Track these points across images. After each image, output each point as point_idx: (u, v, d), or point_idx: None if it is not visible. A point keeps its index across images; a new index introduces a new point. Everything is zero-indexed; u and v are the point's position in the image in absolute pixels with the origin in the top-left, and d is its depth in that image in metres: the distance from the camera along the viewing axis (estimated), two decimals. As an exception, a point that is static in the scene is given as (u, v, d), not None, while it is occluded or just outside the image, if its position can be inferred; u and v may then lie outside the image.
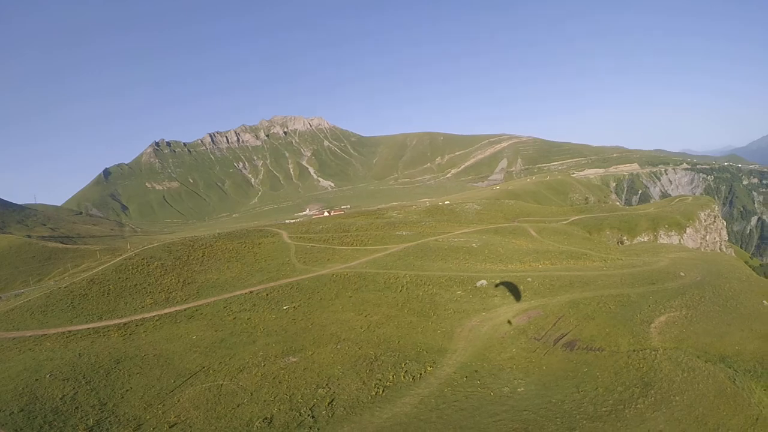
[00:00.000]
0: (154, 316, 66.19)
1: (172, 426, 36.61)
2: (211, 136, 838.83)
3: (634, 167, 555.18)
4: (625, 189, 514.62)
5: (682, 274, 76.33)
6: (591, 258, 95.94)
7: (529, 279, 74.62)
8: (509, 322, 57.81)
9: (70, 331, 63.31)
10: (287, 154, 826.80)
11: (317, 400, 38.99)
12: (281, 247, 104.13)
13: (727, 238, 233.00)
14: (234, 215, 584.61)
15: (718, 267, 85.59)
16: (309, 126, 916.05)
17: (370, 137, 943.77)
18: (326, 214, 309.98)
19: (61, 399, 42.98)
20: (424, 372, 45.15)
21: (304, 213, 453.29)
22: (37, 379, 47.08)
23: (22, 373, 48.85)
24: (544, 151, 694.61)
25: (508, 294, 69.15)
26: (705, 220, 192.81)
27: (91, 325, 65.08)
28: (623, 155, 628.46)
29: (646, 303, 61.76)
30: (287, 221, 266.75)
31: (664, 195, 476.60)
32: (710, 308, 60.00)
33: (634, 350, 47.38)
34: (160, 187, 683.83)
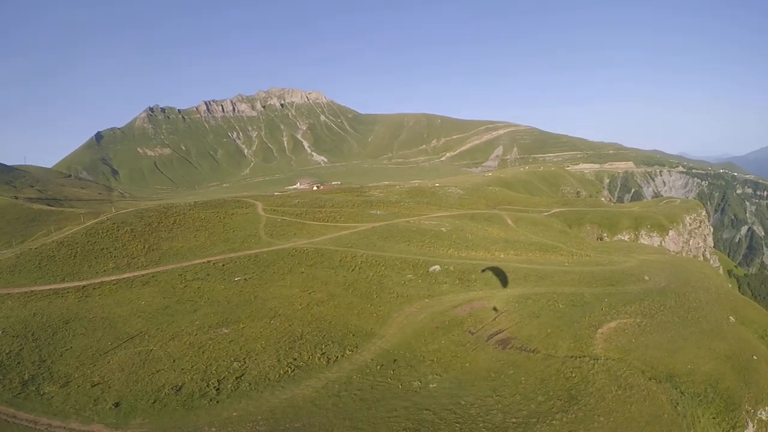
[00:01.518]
0: (113, 280, 67.51)
1: (94, 385, 38.34)
2: (206, 104, 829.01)
3: (630, 165, 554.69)
4: (618, 186, 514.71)
5: (646, 278, 73.37)
6: (560, 252, 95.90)
7: (484, 268, 73.79)
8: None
9: (32, 291, 64.72)
10: (282, 127, 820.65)
11: (228, 373, 39.91)
12: (253, 218, 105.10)
13: (712, 245, 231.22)
14: (225, 185, 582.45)
15: (688, 274, 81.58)
16: (306, 99, 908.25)
17: (367, 114, 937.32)
18: (315, 188, 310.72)
19: (7, 354, 44.70)
20: (342, 356, 44.60)
21: (294, 186, 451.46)
22: (-10, 335, 48.64)
23: None
24: (540, 142, 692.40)
25: (457, 282, 68.28)
26: (690, 224, 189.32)
27: (52, 286, 66.44)
28: (619, 152, 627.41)
29: (600, 305, 58.79)
30: (276, 193, 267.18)
31: (657, 196, 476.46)
32: (668, 318, 55.87)
33: (571, 356, 44.82)
34: (152, 153, 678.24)
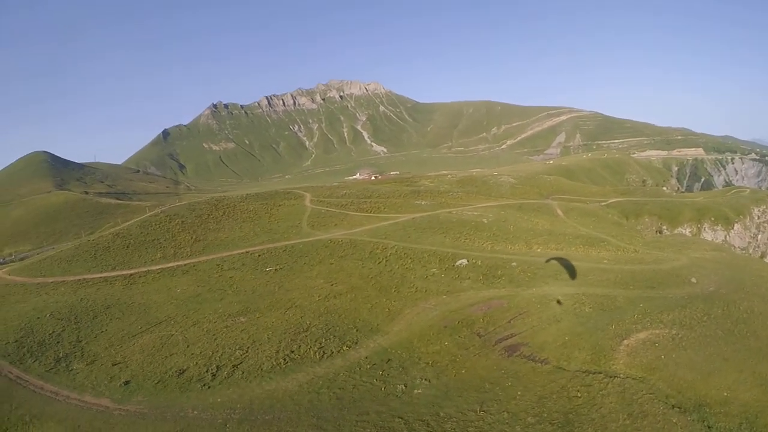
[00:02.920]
0: (158, 269, 71.44)
1: (115, 365, 41.38)
2: (267, 99, 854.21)
3: (699, 152, 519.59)
4: (688, 175, 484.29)
5: (693, 280, 65.14)
6: (606, 247, 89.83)
7: (514, 263, 70.26)
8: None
9: (84, 279, 69.84)
10: (342, 118, 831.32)
11: (228, 360, 41.14)
12: (298, 209, 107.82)
13: None
14: (287, 176, 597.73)
15: (744, 276, 71.45)
16: (365, 91, 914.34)
17: (426, 104, 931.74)
18: (373, 178, 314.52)
19: (50, 334, 48.86)
20: (338, 351, 43.98)
21: (353, 177, 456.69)
22: (38, 317, 53.43)
23: (30, 312, 55.41)
24: (604, 128, 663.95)
25: (481, 278, 64.95)
26: (759, 217, 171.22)
27: (103, 275, 71.35)
28: (688, 138, 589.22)
29: (632, 312, 52.57)
30: (335, 184, 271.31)
31: (728, 185, 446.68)
32: (710, 332, 48.26)
33: (584, 371, 40.02)
34: (217, 148, 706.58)
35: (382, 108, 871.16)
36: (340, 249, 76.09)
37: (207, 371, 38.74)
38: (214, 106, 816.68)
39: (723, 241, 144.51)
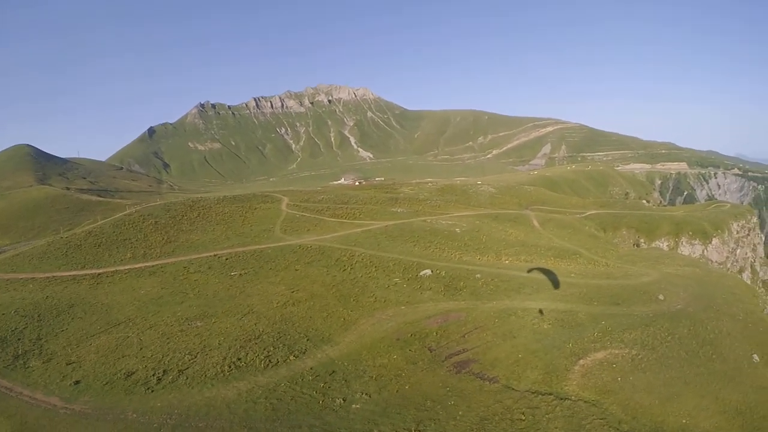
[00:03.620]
0: (126, 269, 71.63)
1: (69, 364, 42.11)
2: (255, 100, 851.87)
3: (683, 166, 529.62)
4: (671, 188, 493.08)
5: (661, 297, 63.80)
6: (577, 260, 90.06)
7: (478, 275, 69.84)
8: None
9: (54, 277, 69.83)
10: (330, 123, 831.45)
11: (176, 365, 41.51)
12: (273, 213, 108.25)
13: (763, 255, 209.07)
14: (271, 179, 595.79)
15: (716, 293, 70.71)
16: (354, 96, 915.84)
17: (414, 111, 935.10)
18: (357, 184, 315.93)
19: (11, 331, 49.40)
20: (284, 361, 43.60)
21: (338, 182, 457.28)
22: (3, 314, 53.92)
23: None
24: (590, 140, 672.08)
25: (443, 289, 64.43)
26: (737, 232, 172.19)
27: (72, 273, 71.41)
28: (672, 152, 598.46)
29: (593, 329, 50.88)
30: (318, 188, 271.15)
31: (710, 199, 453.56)
32: (673, 353, 46.49)
33: (534, 392, 38.62)
34: (202, 148, 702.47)
35: (370, 114, 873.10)
36: (308, 255, 76.36)
37: (153, 375, 39.31)
38: (202, 105, 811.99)
39: (701, 255, 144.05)
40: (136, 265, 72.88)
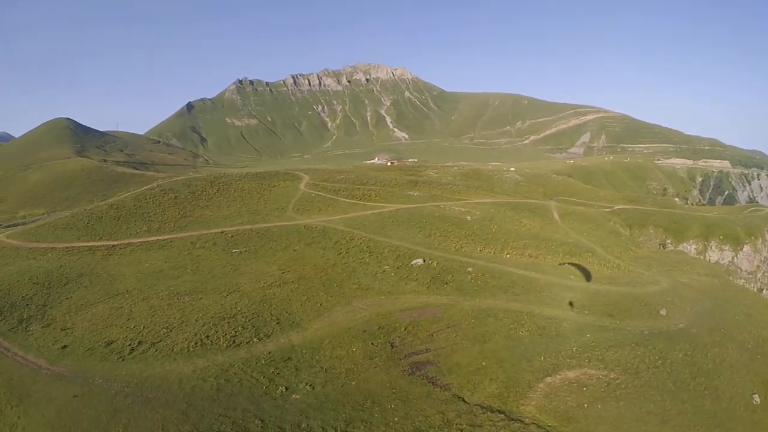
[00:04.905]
0: (139, 242, 75.20)
1: (63, 329, 45.53)
2: (293, 77, 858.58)
3: (725, 165, 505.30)
4: (711, 187, 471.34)
5: (662, 311, 57.57)
6: (589, 258, 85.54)
7: (470, 269, 67.20)
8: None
9: (72, 247, 74.03)
10: (366, 102, 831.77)
11: (152, 337, 43.56)
12: (290, 192, 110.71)
13: None
14: (306, 156, 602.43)
15: (728, 313, 63.11)
16: (392, 75, 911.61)
17: (452, 92, 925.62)
18: (389, 164, 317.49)
19: (22, 297, 53.13)
20: (247, 342, 44.04)
21: (371, 161, 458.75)
22: (18, 281, 57.76)
23: (13, 275, 59.88)
24: (631, 131, 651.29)
25: (429, 281, 62.50)
26: None
27: (89, 244, 75.55)
28: (715, 149, 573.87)
29: (574, 342, 46.50)
30: (350, 166, 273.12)
31: (752, 201, 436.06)
32: (659, 382, 40.87)
33: (485, 407, 35.88)
34: (239, 123, 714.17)
35: (407, 94, 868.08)
36: (310, 236, 77.65)
37: (129, 345, 41.75)
38: (240, 81, 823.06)
39: (730, 262, 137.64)
40: (149, 239, 76.36)
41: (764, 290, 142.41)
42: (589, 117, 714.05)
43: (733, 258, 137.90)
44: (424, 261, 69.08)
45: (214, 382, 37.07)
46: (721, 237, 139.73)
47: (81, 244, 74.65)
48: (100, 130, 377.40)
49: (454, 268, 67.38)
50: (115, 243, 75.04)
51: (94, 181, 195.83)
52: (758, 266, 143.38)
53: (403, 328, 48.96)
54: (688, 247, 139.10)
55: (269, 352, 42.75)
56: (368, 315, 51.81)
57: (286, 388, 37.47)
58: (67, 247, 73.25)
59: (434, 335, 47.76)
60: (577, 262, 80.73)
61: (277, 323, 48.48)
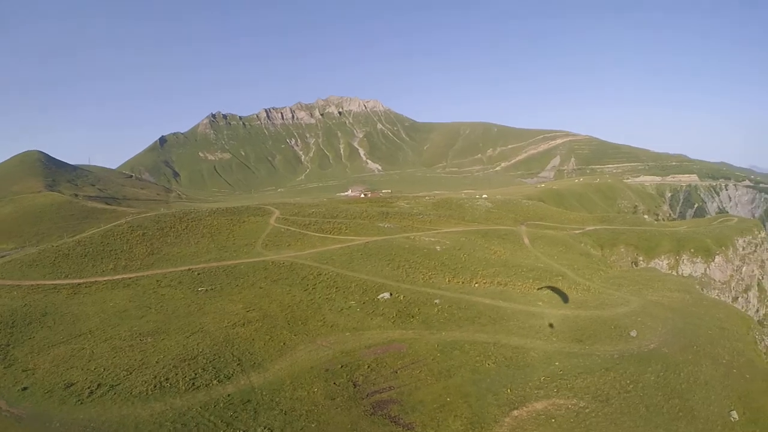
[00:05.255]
0: (105, 280, 74.26)
1: (24, 370, 44.76)
2: (266, 111, 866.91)
3: (693, 178, 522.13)
4: (681, 201, 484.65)
5: (633, 333, 56.68)
6: (560, 282, 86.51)
7: (437, 301, 66.57)
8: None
9: (37, 285, 72.77)
10: (339, 134, 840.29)
11: (111, 380, 42.57)
12: (260, 227, 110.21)
13: None
14: (279, 190, 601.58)
15: (699, 328, 62.74)
16: (364, 108, 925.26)
17: (423, 123, 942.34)
18: (362, 196, 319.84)
19: None
20: (206, 385, 42.87)
21: (345, 193, 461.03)
22: (-19, 320, 55.81)
23: None
24: (599, 152, 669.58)
25: (395, 316, 61.01)
26: (743, 248, 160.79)
27: (55, 282, 74.33)
28: (683, 164, 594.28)
29: (542, 371, 45.48)
30: (324, 199, 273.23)
31: (722, 212, 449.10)
32: (631, 408, 39.76)
33: None
34: (213, 157, 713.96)
35: (379, 125, 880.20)
36: (277, 272, 77.06)
37: (89, 387, 41.02)
38: (213, 115, 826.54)
39: (702, 274, 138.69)
40: (115, 277, 75.44)
41: (739, 298, 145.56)
42: (558, 141, 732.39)
43: (705, 270, 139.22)
44: (390, 295, 68.24)
45: (171, 427, 36.26)
46: (692, 250, 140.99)
47: (46, 282, 73.33)
48: (72, 163, 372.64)
49: (421, 300, 66.79)
50: (81, 281, 73.88)
51: (65, 216, 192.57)
52: (731, 275, 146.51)
53: (367, 366, 47.73)
54: (660, 263, 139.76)
55: (228, 395, 41.63)
56: (332, 353, 50.74)
57: (237, 433, 36.36)
58: (32, 285, 71.80)
59: (398, 372, 46.49)
60: (545, 287, 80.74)
61: (238, 364, 47.38)
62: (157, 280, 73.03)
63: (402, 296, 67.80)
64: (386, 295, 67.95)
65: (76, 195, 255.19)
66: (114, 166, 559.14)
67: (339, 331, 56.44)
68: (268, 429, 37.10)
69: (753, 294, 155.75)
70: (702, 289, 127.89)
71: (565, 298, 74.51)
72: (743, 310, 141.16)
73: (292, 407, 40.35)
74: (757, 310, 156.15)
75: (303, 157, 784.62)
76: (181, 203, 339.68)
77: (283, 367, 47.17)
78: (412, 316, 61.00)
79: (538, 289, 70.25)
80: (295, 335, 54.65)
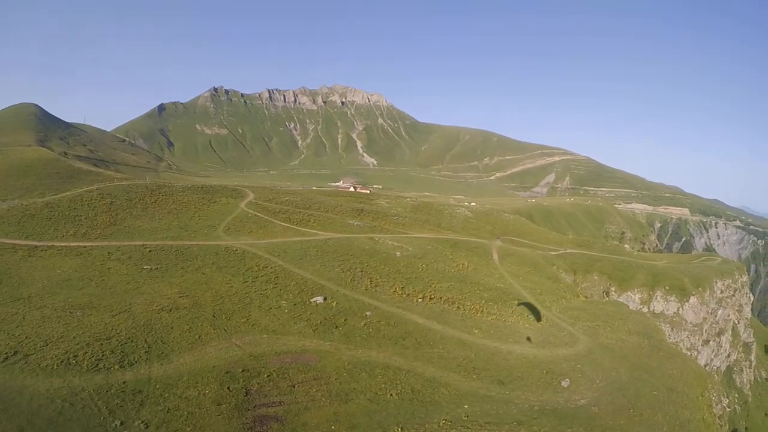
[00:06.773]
0: (61, 246, 75.79)
1: None
2: (269, 92, 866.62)
3: (685, 212, 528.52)
4: (669, 233, 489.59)
5: (564, 383, 51.63)
6: (514, 307, 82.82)
7: (369, 313, 64.02)
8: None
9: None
10: (339, 124, 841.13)
11: (28, 348, 43.01)
12: (228, 209, 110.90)
13: (749, 315, 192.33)
14: (272, 172, 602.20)
15: (645, 386, 57.69)
16: (367, 100, 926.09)
17: (424, 123, 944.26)
18: (352, 189, 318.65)
19: None
20: (108, 368, 42.55)
21: (336, 184, 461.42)
22: (-67, 275, 57.07)
23: None
24: (595, 174, 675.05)
25: (319, 324, 58.69)
26: (722, 291, 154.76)
27: (15, 242, 75.91)
28: (676, 197, 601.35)
29: (444, 414, 41.94)
30: (314, 188, 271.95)
31: (708, 249, 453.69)
32: None
33: None
34: (209, 132, 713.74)
35: (380, 120, 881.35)
36: (226, 259, 76.90)
37: (5, 353, 41.89)
38: (215, 89, 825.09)
39: (675, 313, 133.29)
40: (71, 244, 76.86)
41: (711, 341, 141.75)
42: (556, 158, 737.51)
43: (678, 309, 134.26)
44: (325, 299, 65.88)
45: (60, 405, 36.37)
46: (667, 287, 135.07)
47: (7, 241, 74.67)
48: (67, 121, 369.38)
49: (353, 310, 64.59)
50: (39, 244, 75.20)
51: (50, 174, 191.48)
52: (705, 318, 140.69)
53: (267, 375, 45.61)
54: (633, 296, 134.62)
55: (124, 382, 40.90)
56: (240, 354, 48.62)
57: (121, 423, 36.16)
58: (-8, 243, 73.21)
59: (296, 386, 44.31)
60: (498, 311, 78.32)
61: (146, 351, 46.41)
62: (109, 252, 73.98)
63: (336, 302, 65.85)
64: (320, 299, 65.70)
65: (66, 153, 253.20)
66: (108, 129, 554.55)
67: (258, 331, 54.67)
68: (144, 424, 36.58)
69: (726, 338, 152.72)
70: (671, 329, 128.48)
71: (507, 329, 70.47)
72: (712, 354, 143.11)
73: (176, 406, 39.32)
74: (729, 355, 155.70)
75: (300, 142, 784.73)
76: (171, 174, 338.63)
77: (187, 362, 45.84)
78: (336, 327, 58.97)
79: (482, 313, 67.90)
80: (214, 329, 53.22)
